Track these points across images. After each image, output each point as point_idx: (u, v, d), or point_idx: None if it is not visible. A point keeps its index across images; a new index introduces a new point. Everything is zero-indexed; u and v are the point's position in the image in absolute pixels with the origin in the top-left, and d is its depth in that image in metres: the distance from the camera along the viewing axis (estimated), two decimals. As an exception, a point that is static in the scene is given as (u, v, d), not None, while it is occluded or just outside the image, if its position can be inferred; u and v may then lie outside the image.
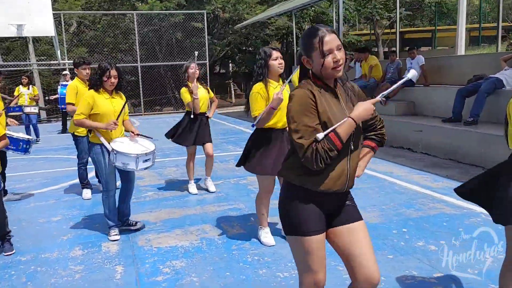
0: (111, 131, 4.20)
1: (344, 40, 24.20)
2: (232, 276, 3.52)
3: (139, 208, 5.37)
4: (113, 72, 4.18)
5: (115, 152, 4.10)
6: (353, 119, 1.99)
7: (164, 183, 6.56)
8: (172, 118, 15.38)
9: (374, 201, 5.30)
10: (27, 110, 10.92)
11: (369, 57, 10.93)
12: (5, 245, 4.09)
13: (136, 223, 4.60)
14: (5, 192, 5.52)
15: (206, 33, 17.70)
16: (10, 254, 4.04)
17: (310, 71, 2.15)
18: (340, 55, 2.05)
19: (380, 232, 4.30)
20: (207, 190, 6.00)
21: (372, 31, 24.84)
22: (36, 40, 18.25)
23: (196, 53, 6.34)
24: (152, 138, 4.70)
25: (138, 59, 17.56)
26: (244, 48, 24.56)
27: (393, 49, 18.97)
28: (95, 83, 4.23)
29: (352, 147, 2.13)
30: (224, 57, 26.06)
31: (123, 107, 4.37)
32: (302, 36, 2.17)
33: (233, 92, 26.02)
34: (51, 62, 15.93)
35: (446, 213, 4.78)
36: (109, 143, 4.18)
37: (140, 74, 17.62)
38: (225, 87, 27.00)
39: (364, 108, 2.00)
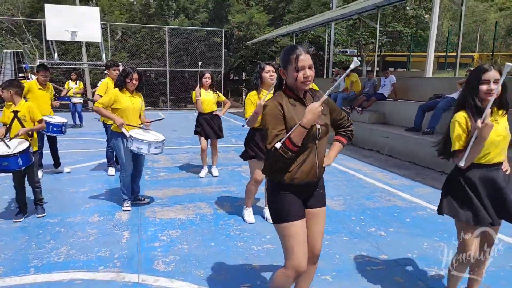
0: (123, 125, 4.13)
1: (335, 59, 24.00)
2: (215, 246, 3.48)
3: (152, 185, 5.33)
4: (135, 76, 4.11)
5: (132, 138, 4.05)
6: (302, 125, 1.93)
7: (175, 166, 6.52)
8: (191, 114, 15.36)
9: (341, 192, 5.22)
10: (73, 100, 10.92)
11: (351, 74, 10.78)
12: (38, 208, 4.08)
13: (144, 198, 4.56)
14: (41, 166, 5.50)
15: (223, 47, 17.55)
16: (42, 217, 4.04)
17: (284, 82, 2.11)
18: (310, 72, 2.03)
19: (341, 218, 4.24)
20: (211, 174, 5.95)
21: (359, 53, 24.54)
22: (88, 44, 18.21)
23: (200, 63, 6.43)
24: (163, 119, 4.68)
25: (167, 65, 17.47)
26: (254, 60, 24.39)
27: (370, 69, 18.66)
28: (120, 84, 4.17)
29: (317, 145, 2.08)
30: (238, 67, 25.90)
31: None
32: (283, 51, 2.12)
33: (244, 96, 25.94)
34: (98, 62, 15.83)
35: (398, 205, 4.69)
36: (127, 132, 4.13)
37: (168, 77, 17.55)
38: (238, 92, 26.88)
39: (312, 113, 1.92)
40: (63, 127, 5.31)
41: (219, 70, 17.92)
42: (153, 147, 4.16)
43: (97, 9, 14.40)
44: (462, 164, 2.21)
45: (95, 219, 4.06)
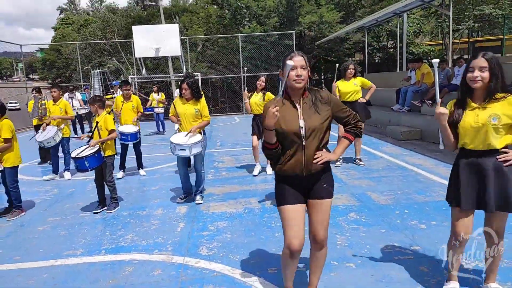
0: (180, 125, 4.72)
1: (417, 50, 22.72)
2: (255, 236, 3.82)
3: (213, 183, 5.86)
4: (184, 86, 4.66)
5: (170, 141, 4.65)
6: (264, 127, 2.21)
7: (237, 166, 6.99)
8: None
9: (393, 187, 5.18)
10: (156, 110, 12.14)
11: (422, 65, 10.27)
12: (110, 205, 4.83)
13: (197, 198, 4.96)
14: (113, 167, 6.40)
15: (294, 49, 17.83)
16: (110, 213, 4.72)
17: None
18: (302, 72, 2.27)
19: (384, 211, 4.27)
20: (265, 172, 6.30)
21: (442, 41, 22.89)
22: (174, 58, 19.92)
23: (245, 68, 6.99)
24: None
25: (241, 71, 18.29)
26: (329, 59, 24.22)
27: (445, 58, 17.25)
28: (179, 93, 4.76)
29: (305, 143, 2.28)
30: (314, 67, 25.92)
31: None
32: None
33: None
34: (179, 74, 17.21)
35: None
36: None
37: (242, 83, 18.32)
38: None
39: (267, 115, 2.15)
40: (137, 135, 6.12)
41: (291, 72, 18.21)
42: (178, 149, 4.59)
43: (176, 26, 15.73)
44: (441, 147, 2.45)
45: (159, 212, 4.68)
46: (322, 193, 2.39)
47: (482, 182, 2.35)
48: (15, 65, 79.48)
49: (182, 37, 16.85)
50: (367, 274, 2.98)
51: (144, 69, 16.17)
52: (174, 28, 15.63)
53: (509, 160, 2.30)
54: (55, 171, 6.59)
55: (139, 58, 15.73)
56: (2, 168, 4.60)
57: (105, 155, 4.68)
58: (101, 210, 4.74)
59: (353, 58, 25.62)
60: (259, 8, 19.34)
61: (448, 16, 16.87)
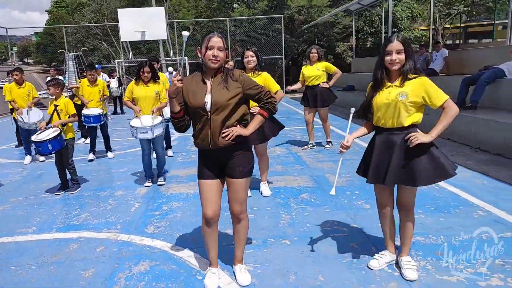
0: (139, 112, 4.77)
1: (409, 35, 22.61)
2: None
3: (180, 165, 5.96)
4: (146, 69, 4.71)
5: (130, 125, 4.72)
6: (168, 95, 2.35)
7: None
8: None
9: (354, 169, 5.26)
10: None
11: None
12: (75, 185, 4.93)
13: (159, 180, 5.06)
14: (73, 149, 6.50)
15: (282, 33, 17.73)
16: (72, 193, 4.82)
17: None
18: (219, 53, 2.35)
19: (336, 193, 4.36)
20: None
21: (434, 27, 22.73)
22: (165, 42, 19.79)
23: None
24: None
25: (229, 55, 18.20)
26: (321, 43, 24.08)
27: (422, 43, 17.10)
28: (136, 76, 4.82)
29: (210, 118, 2.36)
30: (303, 52, 25.83)
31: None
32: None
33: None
34: (166, 58, 17.11)
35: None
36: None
37: (234, 68, 18.25)
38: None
39: (170, 84, 2.28)
40: (101, 116, 6.18)
41: (279, 56, 18.16)
42: (140, 132, 4.67)
43: (162, 9, 15.59)
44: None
45: (119, 193, 4.78)
46: (235, 173, 2.49)
47: (390, 158, 2.46)
48: (9, 49, 78.89)
49: (169, 21, 16.69)
50: (298, 250, 3.09)
51: (130, 53, 16.09)
52: (160, 11, 15.50)
53: (413, 141, 2.39)
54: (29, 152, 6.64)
55: (125, 42, 15.63)
56: None
57: (66, 137, 4.75)
58: (63, 192, 4.84)
59: (345, 43, 25.49)
60: (247, -9, 19.18)
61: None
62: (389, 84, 2.48)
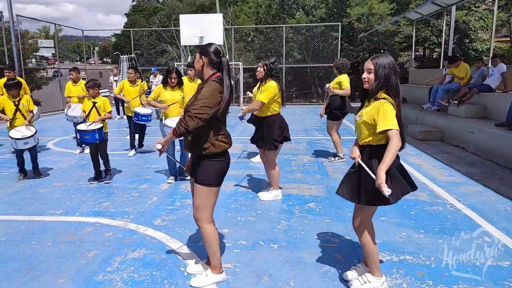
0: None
1: (481, 46, 21.24)
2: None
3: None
4: (173, 75, 5.11)
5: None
6: None
7: (240, 152, 7.32)
8: (307, 108, 15.98)
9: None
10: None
11: (460, 64, 9.76)
12: (106, 176, 5.44)
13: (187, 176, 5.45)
14: (134, 147, 7.06)
15: (339, 41, 17.55)
16: (108, 183, 5.35)
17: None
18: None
19: (343, 205, 4.36)
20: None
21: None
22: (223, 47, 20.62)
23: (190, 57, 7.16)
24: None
25: (284, 61, 18.41)
26: (382, 51, 23.44)
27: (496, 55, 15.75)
28: (164, 80, 5.24)
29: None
30: (364, 60, 25.30)
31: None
32: (207, 44, 2.69)
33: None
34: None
35: (419, 200, 4.52)
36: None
37: (284, 73, 18.43)
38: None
39: None
40: (149, 116, 6.69)
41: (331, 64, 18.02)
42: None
43: (220, 15, 16.24)
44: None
45: (144, 187, 5.20)
46: (196, 177, 2.69)
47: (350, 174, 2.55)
48: (92, 48, 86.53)
49: (226, 27, 17.35)
50: (282, 255, 3.21)
51: (190, 57, 16.96)
52: (218, 18, 16.15)
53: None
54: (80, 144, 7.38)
55: (184, 46, 16.52)
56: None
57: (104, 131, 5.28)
58: (96, 181, 5.36)
59: (408, 53, 24.53)
60: (306, -1, 19.26)
61: None
62: (366, 103, 2.54)
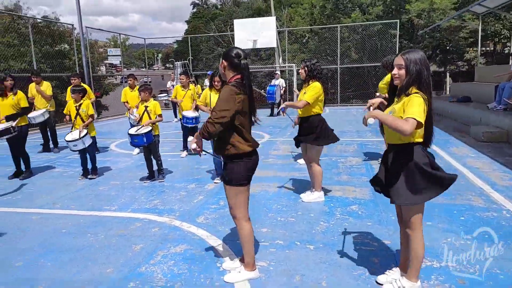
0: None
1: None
2: (251, 214, 4.27)
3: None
4: (216, 78, 5.30)
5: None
6: None
7: (286, 154, 7.36)
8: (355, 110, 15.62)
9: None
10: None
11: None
12: (159, 176, 5.77)
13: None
14: (186, 148, 7.36)
15: (397, 38, 16.88)
16: (161, 182, 5.68)
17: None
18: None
19: (387, 208, 4.25)
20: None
21: None
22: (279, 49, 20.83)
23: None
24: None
25: (338, 62, 18.08)
26: (447, 49, 22.13)
27: None
28: (210, 84, 5.45)
29: None
30: (428, 58, 24.02)
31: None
32: (230, 48, 2.81)
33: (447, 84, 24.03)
34: (275, 65, 17.89)
35: (472, 204, 4.27)
36: None
37: (339, 74, 18.10)
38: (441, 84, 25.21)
39: None
40: (196, 119, 6.99)
41: (392, 63, 17.35)
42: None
43: (273, 18, 16.43)
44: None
45: (192, 186, 5.45)
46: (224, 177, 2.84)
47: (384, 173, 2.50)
48: (156, 55, 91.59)
49: (280, 29, 17.46)
50: (317, 255, 3.22)
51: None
52: (271, 20, 16.36)
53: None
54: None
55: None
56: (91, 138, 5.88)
57: (154, 134, 5.61)
58: (149, 181, 5.72)
59: (476, 49, 22.91)
60: (362, -4, 18.78)
61: None
62: (395, 100, 2.49)
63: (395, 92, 2.51)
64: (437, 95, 24.47)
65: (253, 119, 2.87)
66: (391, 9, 19.24)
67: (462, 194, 4.65)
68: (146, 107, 5.65)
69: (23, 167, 6.32)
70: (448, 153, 6.86)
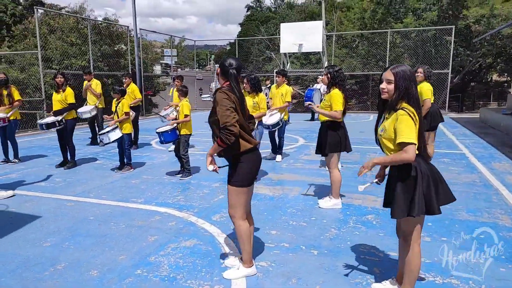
0: None
1: None
2: (265, 216, 4.38)
3: (281, 170, 6.50)
4: (245, 80, 5.47)
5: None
6: None
7: (316, 160, 7.36)
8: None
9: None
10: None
11: None
12: (183, 174, 6.04)
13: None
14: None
15: (452, 45, 16.11)
16: (187, 178, 5.95)
17: None
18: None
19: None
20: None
21: None
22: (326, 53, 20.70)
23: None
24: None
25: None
26: (509, 57, 20.71)
27: None
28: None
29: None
30: (489, 67, 22.62)
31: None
32: (225, 57, 3.03)
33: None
34: (319, 70, 17.74)
35: (497, 223, 4.07)
36: None
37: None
38: (488, 94, 23.60)
39: None
40: None
41: (445, 71, 16.60)
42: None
43: (321, 22, 16.33)
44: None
45: (215, 185, 5.66)
46: (229, 178, 2.98)
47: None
48: (209, 56, 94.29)
49: (328, 33, 17.33)
50: (318, 261, 3.27)
51: (288, 64, 17.39)
52: (318, 25, 16.27)
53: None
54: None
55: (284, 54, 17.01)
56: (122, 134, 6.31)
57: (181, 133, 5.89)
58: (180, 175, 6.02)
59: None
60: (416, 1, 18.07)
61: None
62: (386, 115, 2.49)
63: (385, 104, 2.52)
64: (498, 106, 22.99)
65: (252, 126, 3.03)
66: (447, 15, 18.38)
67: (490, 212, 4.43)
68: (177, 106, 5.95)
69: (69, 157, 6.88)
70: (488, 167, 6.50)
